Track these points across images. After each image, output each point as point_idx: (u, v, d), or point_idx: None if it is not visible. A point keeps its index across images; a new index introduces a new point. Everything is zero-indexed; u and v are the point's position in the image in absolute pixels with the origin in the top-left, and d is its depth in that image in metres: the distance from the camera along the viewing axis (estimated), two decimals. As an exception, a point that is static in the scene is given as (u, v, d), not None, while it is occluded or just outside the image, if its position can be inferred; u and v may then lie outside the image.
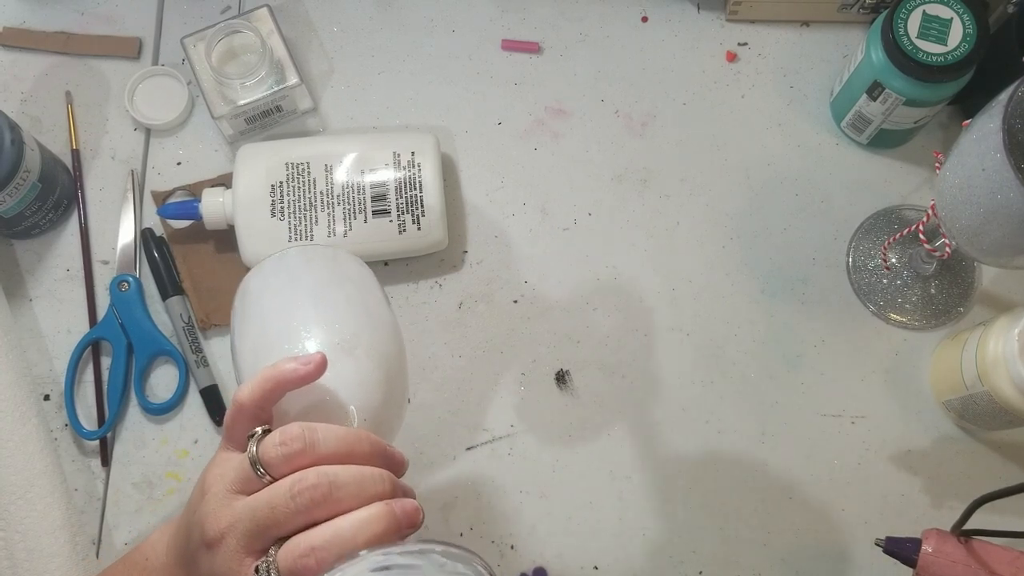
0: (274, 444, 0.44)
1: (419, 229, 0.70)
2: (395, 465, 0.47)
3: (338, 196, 0.70)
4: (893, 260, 0.73)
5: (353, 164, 0.71)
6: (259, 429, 0.46)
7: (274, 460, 0.44)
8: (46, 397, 0.70)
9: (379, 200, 0.70)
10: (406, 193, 0.70)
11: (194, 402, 0.70)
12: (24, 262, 0.73)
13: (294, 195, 0.70)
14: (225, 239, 0.72)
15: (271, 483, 0.44)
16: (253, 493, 0.44)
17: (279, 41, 0.73)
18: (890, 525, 0.68)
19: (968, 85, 0.67)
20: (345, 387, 0.49)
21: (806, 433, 0.70)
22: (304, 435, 0.44)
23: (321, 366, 0.47)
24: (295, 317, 0.51)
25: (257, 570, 0.43)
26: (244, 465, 0.45)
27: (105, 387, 0.70)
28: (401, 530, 0.43)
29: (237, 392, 0.47)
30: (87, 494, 0.69)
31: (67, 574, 0.63)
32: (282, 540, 0.43)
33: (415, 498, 0.46)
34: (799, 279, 0.73)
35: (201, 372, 0.70)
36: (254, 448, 0.45)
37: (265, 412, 0.47)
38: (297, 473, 0.43)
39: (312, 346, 0.49)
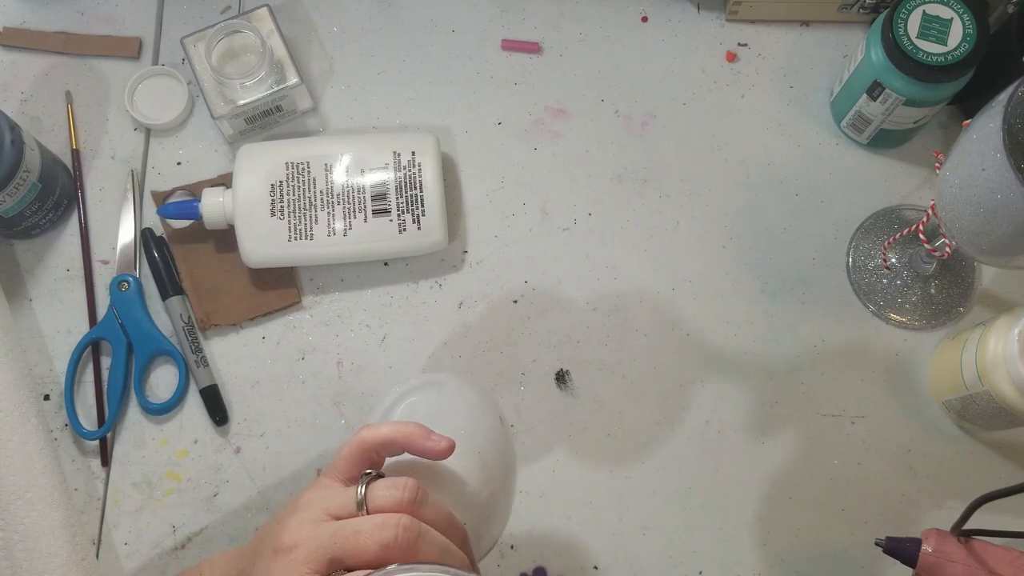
0: (386, 486, 0.45)
1: (419, 229, 0.70)
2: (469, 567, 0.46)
3: (338, 196, 0.70)
4: (893, 260, 0.73)
5: (353, 164, 0.71)
6: (373, 471, 0.46)
7: (381, 500, 0.44)
8: (46, 397, 0.70)
9: (379, 199, 0.70)
10: (406, 193, 0.70)
11: (194, 402, 0.70)
12: (24, 262, 0.73)
13: (294, 194, 0.70)
14: (225, 239, 0.72)
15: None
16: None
17: (279, 41, 0.73)
18: (890, 525, 0.68)
19: (968, 85, 0.67)
20: (459, 485, 0.50)
21: (806, 433, 0.70)
22: (418, 491, 0.44)
23: (448, 449, 0.47)
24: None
25: None
26: (348, 497, 0.45)
27: (105, 387, 0.70)
28: None
29: (366, 431, 0.47)
30: (87, 494, 0.69)
31: (67, 574, 0.62)
32: (349, 571, 0.43)
33: None
34: (799, 279, 0.73)
35: (201, 372, 0.70)
36: (363, 488, 0.45)
37: (381, 459, 0.48)
38: (394, 513, 0.43)
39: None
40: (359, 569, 0.42)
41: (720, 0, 0.79)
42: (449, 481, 0.50)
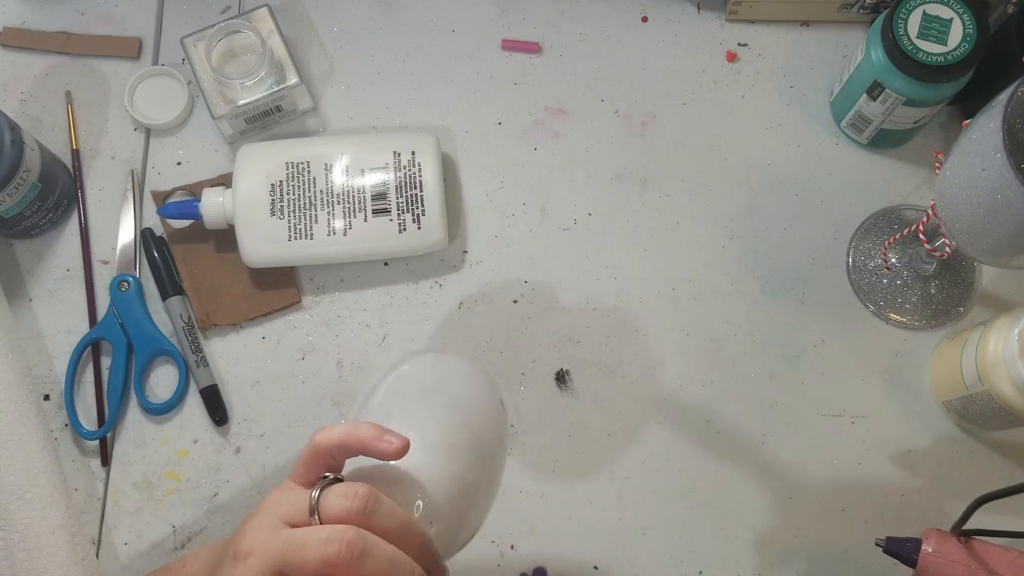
0: (338, 495, 0.45)
1: (419, 228, 0.70)
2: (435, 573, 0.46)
3: (338, 195, 0.70)
4: (893, 260, 0.73)
5: (353, 163, 0.71)
6: (330, 475, 0.46)
7: (332, 509, 0.44)
8: (46, 397, 0.70)
9: (379, 199, 0.70)
10: (406, 192, 0.70)
11: (194, 402, 0.70)
12: (24, 262, 0.73)
13: (294, 194, 0.70)
14: (225, 239, 0.72)
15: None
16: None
17: (279, 41, 0.73)
18: (890, 525, 0.68)
19: (968, 85, 0.67)
20: (423, 482, 0.49)
21: (806, 433, 0.70)
22: (369, 499, 0.44)
23: (401, 449, 0.47)
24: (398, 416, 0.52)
25: None
26: (303, 503, 0.45)
27: (105, 387, 0.70)
28: None
29: (319, 435, 0.47)
30: (87, 494, 0.69)
31: (67, 574, 0.63)
32: None
33: None
34: (799, 279, 0.73)
35: (201, 372, 0.70)
36: (317, 492, 0.45)
37: (338, 462, 0.48)
38: (341, 525, 0.44)
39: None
40: None
41: (720, 0, 0.79)
42: (423, 469, 0.49)
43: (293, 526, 0.45)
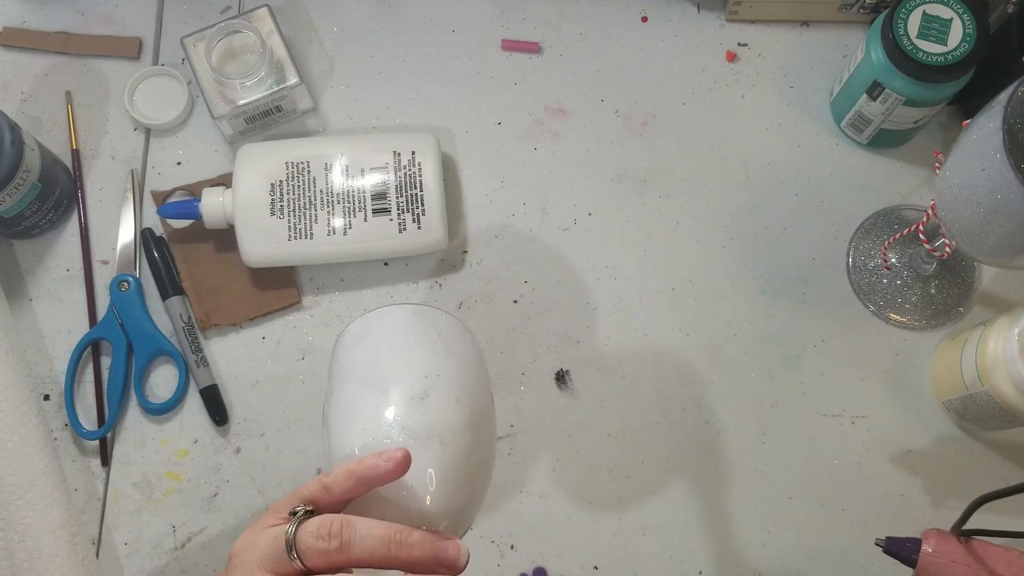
0: (311, 535, 0.44)
1: (419, 228, 0.70)
2: (447, 563, 0.46)
3: (338, 195, 0.70)
4: (893, 260, 0.73)
5: (353, 163, 0.71)
6: (302, 508, 0.46)
7: (310, 552, 0.44)
8: (46, 397, 0.70)
9: (379, 199, 0.70)
10: (406, 192, 0.70)
11: (194, 402, 0.70)
12: (24, 262, 0.73)
13: (294, 194, 0.70)
14: (225, 239, 0.72)
15: (302, 571, 0.44)
16: (281, 575, 0.44)
17: (279, 41, 0.73)
18: (890, 525, 0.68)
19: (968, 85, 0.67)
20: (422, 478, 0.48)
21: (806, 433, 0.70)
22: (342, 533, 0.43)
23: (403, 464, 0.46)
24: (375, 374, 0.51)
25: None
26: (279, 543, 0.44)
27: (105, 387, 0.70)
28: None
29: (327, 479, 0.46)
30: (87, 494, 0.69)
31: (67, 574, 0.63)
32: None
33: None
34: (799, 279, 0.73)
35: (201, 372, 0.70)
36: (292, 529, 0.44)
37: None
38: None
39: (393, 396, 0.49)
40: None
41: (720, 0, 0.79)
42: (426, 429, 0.48)
43: (274, 574, 0.44)
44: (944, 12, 0.65)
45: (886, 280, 0.73)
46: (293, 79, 0.72)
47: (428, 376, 0.50)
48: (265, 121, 0.75)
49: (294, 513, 0.46)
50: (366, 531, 0.44)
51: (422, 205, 0.70)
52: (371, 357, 0.52)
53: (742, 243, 0.74)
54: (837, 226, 0.74)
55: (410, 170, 0.71)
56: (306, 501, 0.46)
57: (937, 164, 0.60)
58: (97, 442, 0.69)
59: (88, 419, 0.70)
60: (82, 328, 0.71)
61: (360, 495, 0.47)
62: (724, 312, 0.72)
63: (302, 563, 0.44)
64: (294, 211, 0.69)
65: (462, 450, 0.49)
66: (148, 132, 0.76)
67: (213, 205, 0.70)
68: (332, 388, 0.53)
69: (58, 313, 0.72)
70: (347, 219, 0.70)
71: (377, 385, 0.50)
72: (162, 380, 0.71)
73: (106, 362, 0.71)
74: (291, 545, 0.44)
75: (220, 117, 0.72)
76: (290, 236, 0.69)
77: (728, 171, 0.76)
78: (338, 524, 0.44)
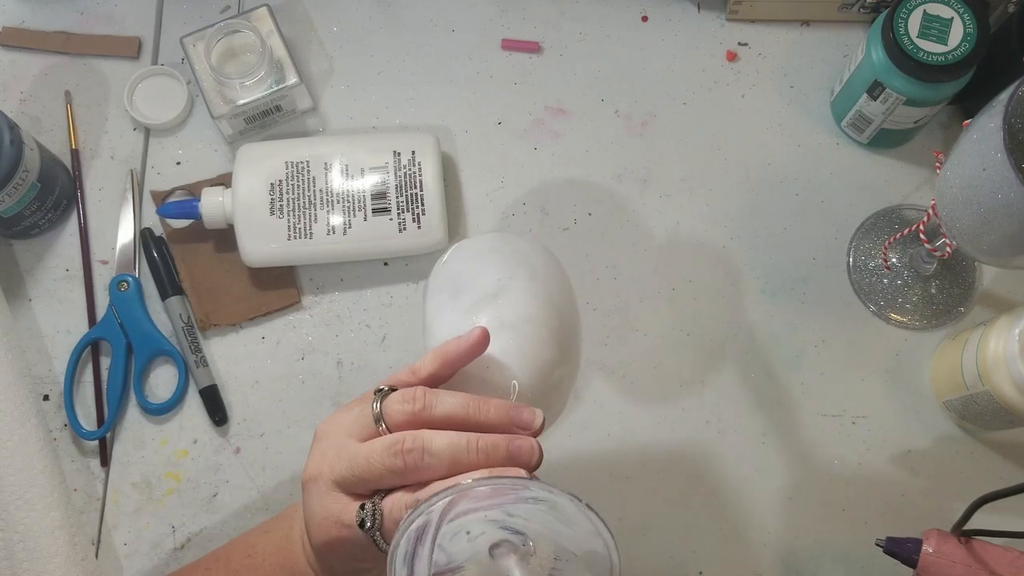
0: (396, 400, 0.47)
1: (419, 228, 0.70)
2: (522, 424, 0.48)
3: (338, 195, 0.70)
4: (893, 260, 0.73)
5: (353, 163, 0.71)
6: (385, 387, 0.49)
7: (395, 414, 0.47)
8: (45, 397, 0.70)
9: (379, 198, 0.70)
10: (406, 192, 0.70)
11: (193, 402, 0.70)
12: (23, 262, 0.73)
13: (293, 193, 0.70)
14: (225, 238, 0.72)
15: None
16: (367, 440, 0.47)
17: (279, 41, 0.73)
18: (890, 525, 0.68)
19: (968, 85, 0.67)
20: (511, 364, 0.51)
21: (806, 433, 0.70)
22: (425, 397, 0.47)
23: (482, 340, 0.49)
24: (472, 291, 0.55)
25: (363, 507, 0.46)
26: (366, 414, 0.48)
27: (104, 387, 0.70)
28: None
29: (414, 365, 0.49)
30: (86, 494, 0.68)
31: (67, 574, 0.62)
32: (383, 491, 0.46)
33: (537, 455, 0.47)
34: (799, 279, 0.73)
35: (200, 372, 0.70)
36: (379, 403, 0.47)
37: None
38: (399, 433, 0.46)
39: (481, 319, 0.52)
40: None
41: (720, 0, 0.79)
42: (511, 349, 0.51)
43: (361, 440, 0.47)
44: (944, 12, 0.65)
45: (886, 280, 0.73)
46: (293, 79, 0.72)
47: (500, 279, 0.54)
48: (265, 121, 0.75)
49: (378, 391, 0.49)
50: (448, 397, 0.47)
51: (422, 205, 0.70)
52: (456, 269, 0.57)
53: (742, 243, 0.74)
54: (837, 226, 0.74)
55: (410, 170, 0.71)
56: (394, 385, 0.49)
57: (938, 164, 0.60)
58: (96, 442, 0.69)
59: (88, 419, 0.70)
60: (81, 328, 0.71)
61: (446, 377, 0.50)
62: (724, 312, 0.72)
63: (388, 429, 0.47)
64: (294, 211, 0.69)
65: (539, 340, 0.52)
66: (147, 132, 0.76)
67: (213, 205, 0.70)
68: (425, 302, 0.57)
69: (57, 313, 0.72)
70: (347, 219, 0.70)
71: (460, 289, 0.54)
72: (161, 380, 0.71)
73: (105, 362, 0.71)
74: (378, 417, 0.47)
75: (220, 117, 0.72)
76: (290, 236, 0.69)
77: (728, 171, 0.76)
78: (421, 391, 0.47)
